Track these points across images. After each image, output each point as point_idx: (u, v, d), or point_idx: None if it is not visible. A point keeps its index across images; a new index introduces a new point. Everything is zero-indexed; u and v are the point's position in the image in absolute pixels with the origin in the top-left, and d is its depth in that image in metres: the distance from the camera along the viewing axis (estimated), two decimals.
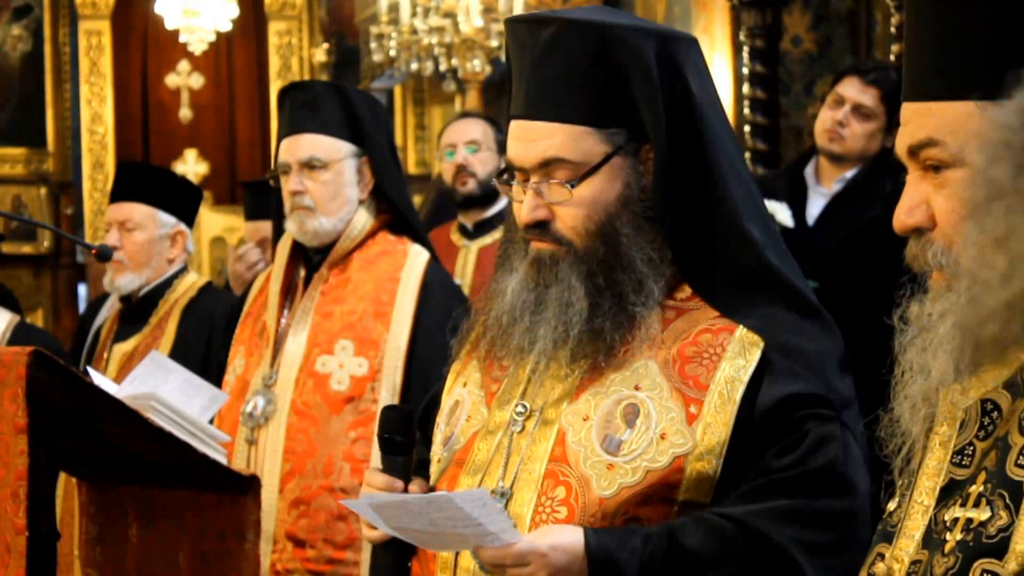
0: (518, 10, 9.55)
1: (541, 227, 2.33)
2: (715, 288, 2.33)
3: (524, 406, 2.35)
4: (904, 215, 1.70)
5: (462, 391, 2.49)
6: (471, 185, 5.54)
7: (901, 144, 1.70)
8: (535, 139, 2.31)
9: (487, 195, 5.53)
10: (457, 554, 2.31)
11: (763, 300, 2.31)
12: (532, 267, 2.35)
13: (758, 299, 2.31)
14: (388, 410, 2.46)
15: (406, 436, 2.42)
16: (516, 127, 2.36)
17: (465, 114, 6.40)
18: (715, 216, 2.33)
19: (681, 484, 2.21)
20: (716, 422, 2.22)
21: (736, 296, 2.32)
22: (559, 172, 2.30)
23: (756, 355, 2.25)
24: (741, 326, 2.28)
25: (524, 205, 2.33)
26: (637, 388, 2.27)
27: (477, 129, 5.68)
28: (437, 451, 2.47)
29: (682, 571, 2.17)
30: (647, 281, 2.30)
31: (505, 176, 2.42)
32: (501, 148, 5.68)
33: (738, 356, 2.26)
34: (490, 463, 2.34)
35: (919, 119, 1.67)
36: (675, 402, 2.24)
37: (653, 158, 2.31)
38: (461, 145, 5.64)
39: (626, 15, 2.45)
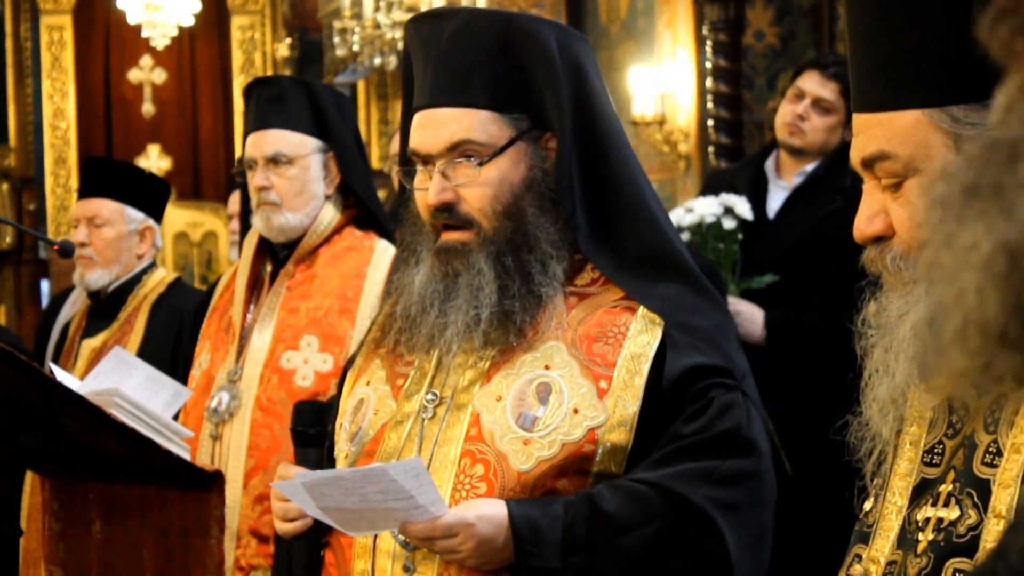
0: (481, 4, 9.56)
1: (448, 210, 2.39)
2: (618, 268, 2.42)
3: (434, 393, 2.40)
4: (864, 225, 1.71)
5: (366, 389, 2.53)
6: None
7: (855, 156, 1.72)
8: (442, 125, 2.38)
9: None
10: (376, 536, 2.35)
11: (662, 280, 2.41)
12: (438, 257, 2.41)
13: (657, 279, 2.41)
14: (300, 404, 2.53)
15: (318, 429, 2.50)
16: (421, 117, 2.43)
17: None
18: (615, 198, 2.43)
19: (596, 455, 2.29)
20: (626, 395, 2.30)
21: (638, 276, 2.41)
22: (467, 152, 2.37)
23: (658, 333, 2.35)
24: (642, 306, 2.37)
25: (432, 188, 2.39)
26: (547, 367, 2.34)
27: None
28: (343, 448, 2.51)
29: (604, 534, 2.24)
30: (550, 262, 2.38)
31: (407, 167, 2.48)
32: None
33: (641, 334, 2.35)
34: (402, 450, 2.38)
35: (869, 131, 1.69)
36: (585, 379, 2.32)
37: (556, 144, 2.40)
38: None
39: (524, 11, 2.53)
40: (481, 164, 2.36)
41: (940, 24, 1.61)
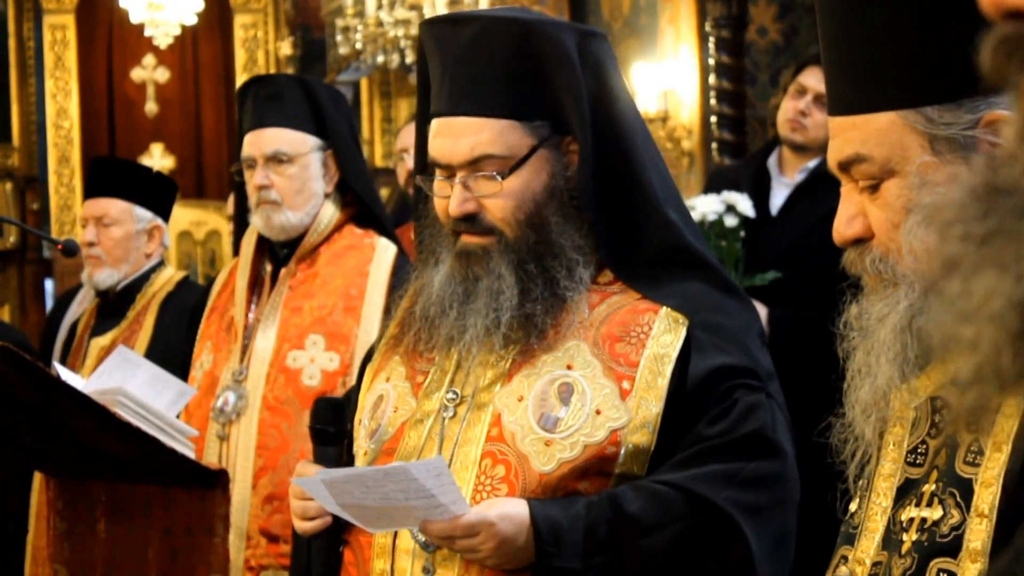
0: (484, 2, 9.56)
1: (470, 220, 2.38)
2: (636, 271, 2.40)
3: (455, 392, 2.39)
4: (843, 228, 1.72)
5: (386, 386, 2.51)
6: None
7: (831, 159, 1.72)
8: (461, 135, 2.36)
9: None
10: (395, 536, 2.35)
11: (683, 279, 2.39)
12: (459, 260, 2.39)
13: (678, 278, 2.39)
14: (319, 401, 2.52)
15: (337, 427, 2.49)
16: (439, 124, 2.40)
17: None
18: (636, 202, 2.41)
19: (618, 457, 2.27)
20: (649, 396, 2.28)
21: (657, 277, 2.39)
22: (488, 166, 2.35)
23: (682, 332, 2.33)
24: (664, 306, 2.35)
25: (453, 199, 2.37)
26: (569, 367, 2.32)
27: None
28: (363, 445, 2.50)
29: (626, 536, 2.22)
30: (577, 267, 2.36)
31: (427, 172, 2.46)
32: None
33: (665, 334, 2.33)
34: (422, 449, 2.37)
35: (844, 134, 1.69)
36: (608, 379, 2.30)
37: (577, 149, 2.38)
38: (412, 148, 5.63)
39: (542, 14, 2.51)
40: (503, 176, 2.34)
41: (913, 25, 1.62)
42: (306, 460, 2.51)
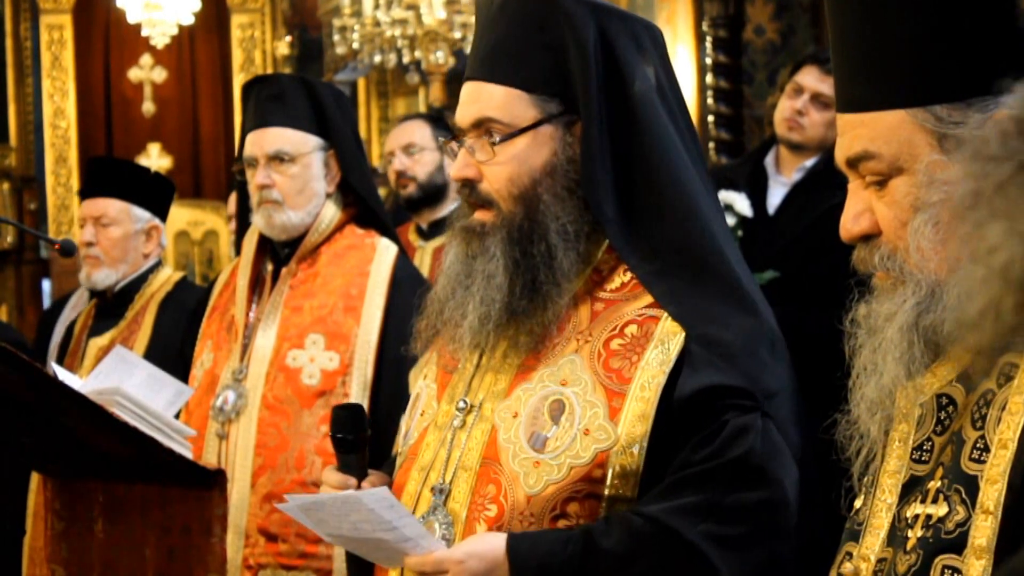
0: None
1: (470, 187, 2.37)
2: (650, 267, 2.34)
3: (465, 401, 2.38)
4: (850, 224, 1.73)
5: (422, 384, 2.52)
6: (411, 189, 5.59)
7: (839, 156, 1.73)
8: (474, 100, 2.37)
9: (430, 196, 5.57)
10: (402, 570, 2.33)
11: (694, 283, 2.31)
12: (462, 235, 2.39)
13: (689, 281, 2.32)
14: (338, 409, 2.49)
15: (356, 434, 2.45)
16: (463, 88, 2.42)
17: (406, 117, 6.42)
18: (652, 189, 2.35)
19: (606, 479, 2.22)
20: (637, 416, 2.23)
21: (669, 277, 2.32)
22: (490, 132, 2.34)
23: (678, 347, 2.26)
24: (665, 317, 2.29)
25: (456, 163, 2.38)
26: (563, 383, 2.29)
27: (415, 131, 5.70)
28: (399, 444, 2.51)
29: (599, 571, 2.18)
30: (557, 252, 2.31)
31: (453, 139, 2.46)
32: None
33: (660, 348, 2.27)
34: (434, 460, 2.36)
35: (853, 131, 1.70)
36: (599, 396, 2.26)
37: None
38: (398, 150, 5.67)
39: None
40: (497, 143, 2.33)
41: (923, 24, 1.63)
42: (331, 468, 2.48)
